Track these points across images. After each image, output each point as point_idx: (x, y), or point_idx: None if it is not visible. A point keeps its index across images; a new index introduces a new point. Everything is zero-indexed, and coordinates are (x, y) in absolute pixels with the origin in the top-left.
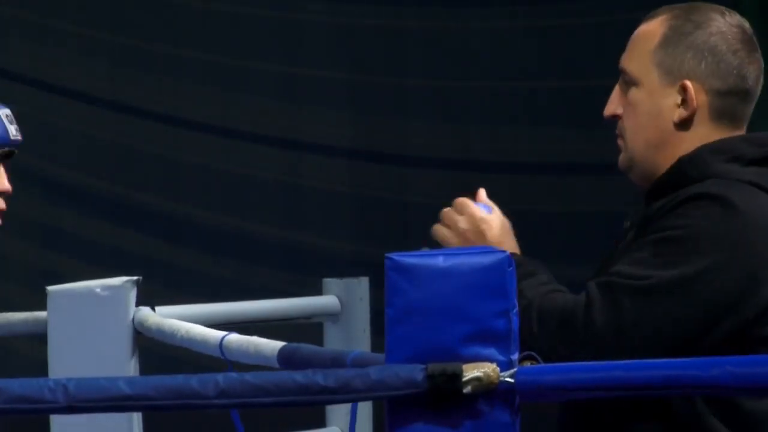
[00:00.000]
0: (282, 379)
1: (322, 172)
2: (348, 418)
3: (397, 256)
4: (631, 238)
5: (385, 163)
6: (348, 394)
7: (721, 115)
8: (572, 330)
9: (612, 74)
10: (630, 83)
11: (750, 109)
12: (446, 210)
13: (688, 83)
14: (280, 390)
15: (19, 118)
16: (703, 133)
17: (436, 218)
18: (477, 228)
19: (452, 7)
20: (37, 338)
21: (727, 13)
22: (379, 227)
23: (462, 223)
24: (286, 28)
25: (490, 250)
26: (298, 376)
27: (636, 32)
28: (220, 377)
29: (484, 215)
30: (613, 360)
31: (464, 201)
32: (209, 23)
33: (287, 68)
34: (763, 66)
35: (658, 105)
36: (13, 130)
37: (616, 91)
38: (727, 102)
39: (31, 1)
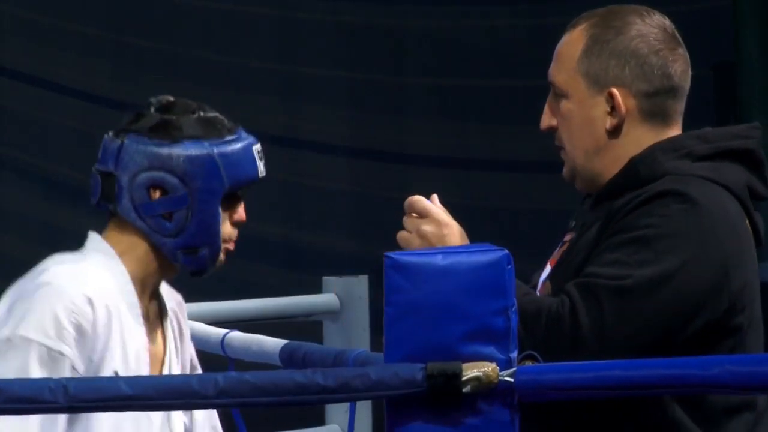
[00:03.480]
0: (282, 378)
1: (321, 170)
2: (348, 416)
3: (396, 255)
4: (594, 235)
5: (385, 161)
6: (347, 393)
7: (653, 114)
8: (560, 335)
9: None
10: (560, 95)
11: (681, 104)
12: (409, 217)
13: (615, 90)
14: (280, 390)
15: (19, 118)
16: (638, 134)
17: None
18: (440, 233)
19: (452, 7)
20: None
21: (645, 13)
22: (379, 225)
23: (426, 225)
24: (286, 27)
25: (488, 249)
26: (298, 376)
27: (560, 43)
28: (219, 377)
29: (446, 219)
30: (594, 360)
31: (425, 204)
32: (209, 22)
33: (287, 67)
34: (688, 60)
35: (589, 114)
36: (261, 167)
37: (548, 103)
38: (656, 102)
39: (31, 0)
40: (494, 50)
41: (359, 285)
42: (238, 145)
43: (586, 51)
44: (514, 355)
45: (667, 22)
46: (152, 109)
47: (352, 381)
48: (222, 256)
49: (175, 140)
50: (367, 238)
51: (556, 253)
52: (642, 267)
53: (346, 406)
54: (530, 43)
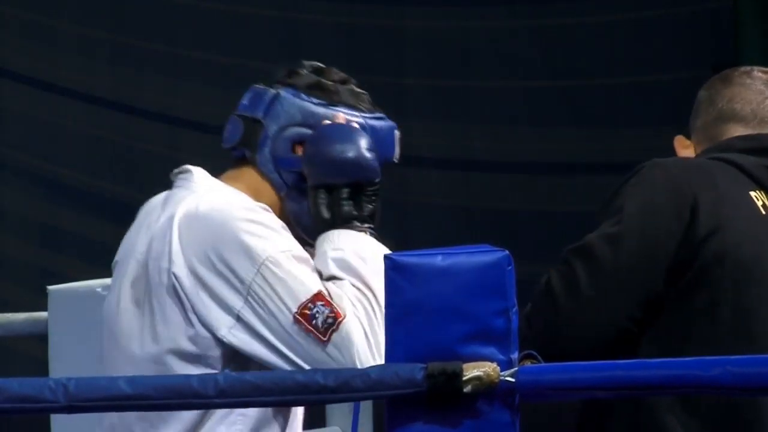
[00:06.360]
0: (282, 378)
1: None
2: (349, 417)
3: (396, 256)
4: None
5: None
6: (348, 393)
7: None
8: None
9: (612, 73)
10: None
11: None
12: None
13: None
14: (280, 389)
15: (19, 119)
16: None
17: (435, 218)
18: None
19: (452, 7)
20: (38, 338)
21: None
22: (379, 226)
23: None
24: (286, 28)
25: (489, 249)
26: (298, 375)
27: None
28: (220, 377)
29: None
30: None
31: None
32: (209, 23)
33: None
34: None
35: None
36: (398, 152)
37: None
38: None
39: (31, 0)
40: (494, 51)
41: None
42: (385, 124)
43: None
44: (515, 356)
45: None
46: (306, 71)
47: (353, 380)
48: None
49: (333, 103)
50: None
51: None
52: None
53: (347, 407)
54: (530, 44)
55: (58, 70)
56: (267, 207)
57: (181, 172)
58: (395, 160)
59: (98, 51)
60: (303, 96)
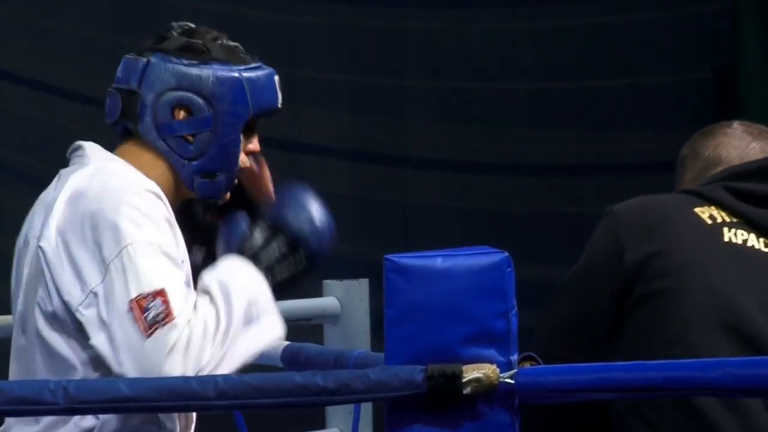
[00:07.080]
0: (281, 379)
1: (321, 173)
2: (349, 419)
3: (396, 258)
4: None
5: (385, 165)
6: (347, 395)
7: None
8: None
9: (611, 74)
10: None
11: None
12: None
13: None
14: (280, 391)
15: (18, 118)
16: None
17: (435, 219)
18: None
19: (452, 8)
20: None
21: None
22: (379, 228)
23: None
24: (286, 29)
25: (488, 251)
26: (298, 377)
27: None
28: (219, 378)
29: None
30: None
31: None
32: (208, 24)
33: (287, 69)
34: None
35: None
36: (280, 98)
37: None
38: None
39: (31, 1)
40: (495, 53)
41: (360, 288)
42: (262, 73)
43: None
44: (515, 357)
45: None
46: (175, 33)
47: (352, 382)
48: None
49: (204, 61)
50: (367, 241)
51: None
52: None
53: (347, 409)
54: (530, 46)
55: (58, 70)
56: (160, 194)
57: (74, 150)
58: (279, 106)
59: (98, 51)
60: (173, 59)
